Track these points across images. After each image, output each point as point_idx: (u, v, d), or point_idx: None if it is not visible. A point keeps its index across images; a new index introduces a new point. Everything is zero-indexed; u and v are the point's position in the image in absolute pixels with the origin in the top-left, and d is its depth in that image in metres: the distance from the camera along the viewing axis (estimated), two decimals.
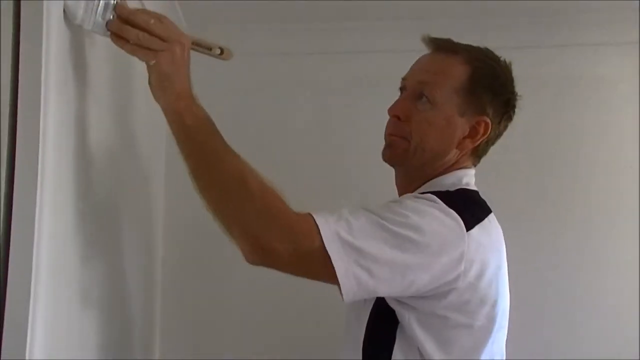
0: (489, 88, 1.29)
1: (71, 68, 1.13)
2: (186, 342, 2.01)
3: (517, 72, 1.98)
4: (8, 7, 0.98)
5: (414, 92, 1.29)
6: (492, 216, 1.28)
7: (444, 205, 1.16)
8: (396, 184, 1.37)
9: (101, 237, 1.34)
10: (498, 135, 1.34)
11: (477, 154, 1.34)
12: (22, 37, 1.00)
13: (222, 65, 2.11)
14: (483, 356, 1.22)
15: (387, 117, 1.34)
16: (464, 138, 1.29)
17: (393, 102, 1.34)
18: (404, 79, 1.34)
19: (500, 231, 1.29)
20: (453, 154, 1.29)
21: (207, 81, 2.10)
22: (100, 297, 1.32)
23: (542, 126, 2.09)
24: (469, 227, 1.16)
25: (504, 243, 1.30)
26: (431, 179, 1.30)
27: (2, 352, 0.97)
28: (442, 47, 1.31)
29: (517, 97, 1.35)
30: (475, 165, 1.35)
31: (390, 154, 1.32)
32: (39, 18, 0.99)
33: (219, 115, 2.08)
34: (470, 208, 1.22)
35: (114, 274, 1.46)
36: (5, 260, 0.98)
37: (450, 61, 1.29)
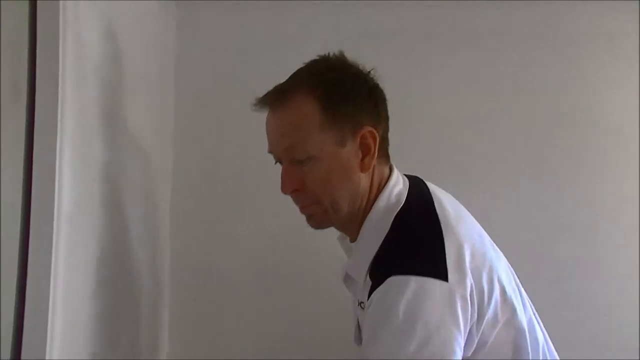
0: (345, 101, 1.20)
1: (86, 67, 1.14)
2: (194, 344, 1.99)
3: (524, 28, 1.88)
4: (24, 8, 0.98)
5: (289, 160, 1.22)
6: (441, 208, 1.21)
7: (415, 278, 1.08)
8: (338, 230, 1.33)
9: (114, 238, 1.36)
10: (386, 122, 1.26)
11: (383, 154, 1.26)
12: (39, 37, 1.00)
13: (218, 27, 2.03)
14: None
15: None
16: (362, 160, 1.22)
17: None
18: (270, 152, 1.26)
19: (452, 206, 1.23)
20: (365, 179, 1.23)
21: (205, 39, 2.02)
22: (111, 299, 1.34)
23: (547, 83, 1.95)
24: (444, 276, 1.09)
25: (465, 217, 1.25)
26: (365, 218, 1.23)
27: (22, 352, 0.99)
28: (275, 101, 1.22)
29: (370, 74, 1.24)
30: (389, 161, 1.28)
31: (317, 223, 1.27)
32: (55, 18, 0.99)
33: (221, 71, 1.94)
34: (429, 248, 1.14)
35: (124, 273, 1.47)
36: (24, 265, 1.00)
37: (293, 110, 1.20)
